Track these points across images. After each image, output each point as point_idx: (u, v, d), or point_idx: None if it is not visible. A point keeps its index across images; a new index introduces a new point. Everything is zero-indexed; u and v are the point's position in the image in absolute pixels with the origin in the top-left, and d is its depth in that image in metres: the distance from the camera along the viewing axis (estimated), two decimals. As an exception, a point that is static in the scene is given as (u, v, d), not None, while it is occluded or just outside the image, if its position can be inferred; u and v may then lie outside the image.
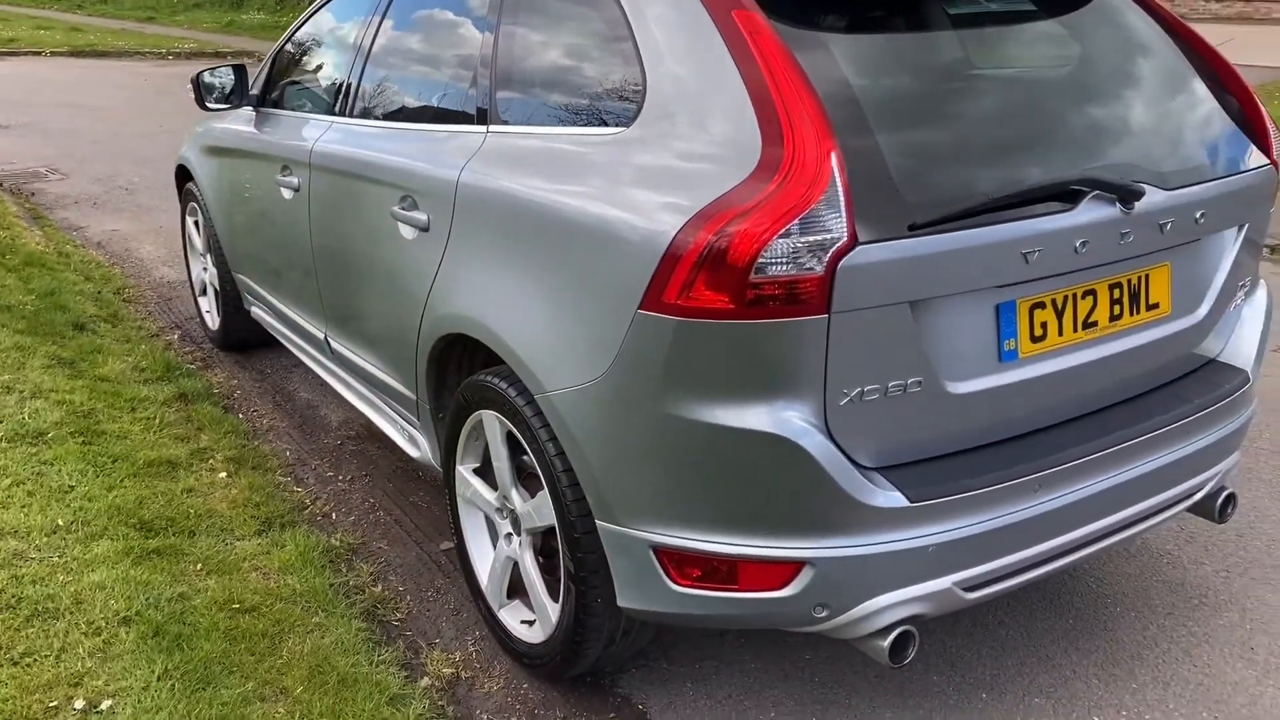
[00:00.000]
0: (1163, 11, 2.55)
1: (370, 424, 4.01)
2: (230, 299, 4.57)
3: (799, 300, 1.88)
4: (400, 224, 2.82)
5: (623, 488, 2.15)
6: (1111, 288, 2.26)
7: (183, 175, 4.88)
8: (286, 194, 3.56)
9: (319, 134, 3.37)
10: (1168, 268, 2.36)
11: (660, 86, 2.14)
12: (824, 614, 2.07)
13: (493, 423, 2.55)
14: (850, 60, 2.11)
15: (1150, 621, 2.86)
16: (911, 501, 2.00)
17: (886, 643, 2.09)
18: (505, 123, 2.56)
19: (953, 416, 2.09)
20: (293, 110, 3.81)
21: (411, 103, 3.03)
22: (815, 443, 1.94)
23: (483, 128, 2.62)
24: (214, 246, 4.52)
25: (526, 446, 2.41)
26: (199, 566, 2.97)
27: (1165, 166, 2.30)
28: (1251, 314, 2.62)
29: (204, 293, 5.02)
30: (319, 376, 4.21)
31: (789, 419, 1.95)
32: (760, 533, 2.04)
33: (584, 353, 2.14)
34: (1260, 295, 2.66)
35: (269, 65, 4.03)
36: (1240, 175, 2.42)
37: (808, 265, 1.87)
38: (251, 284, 4.25)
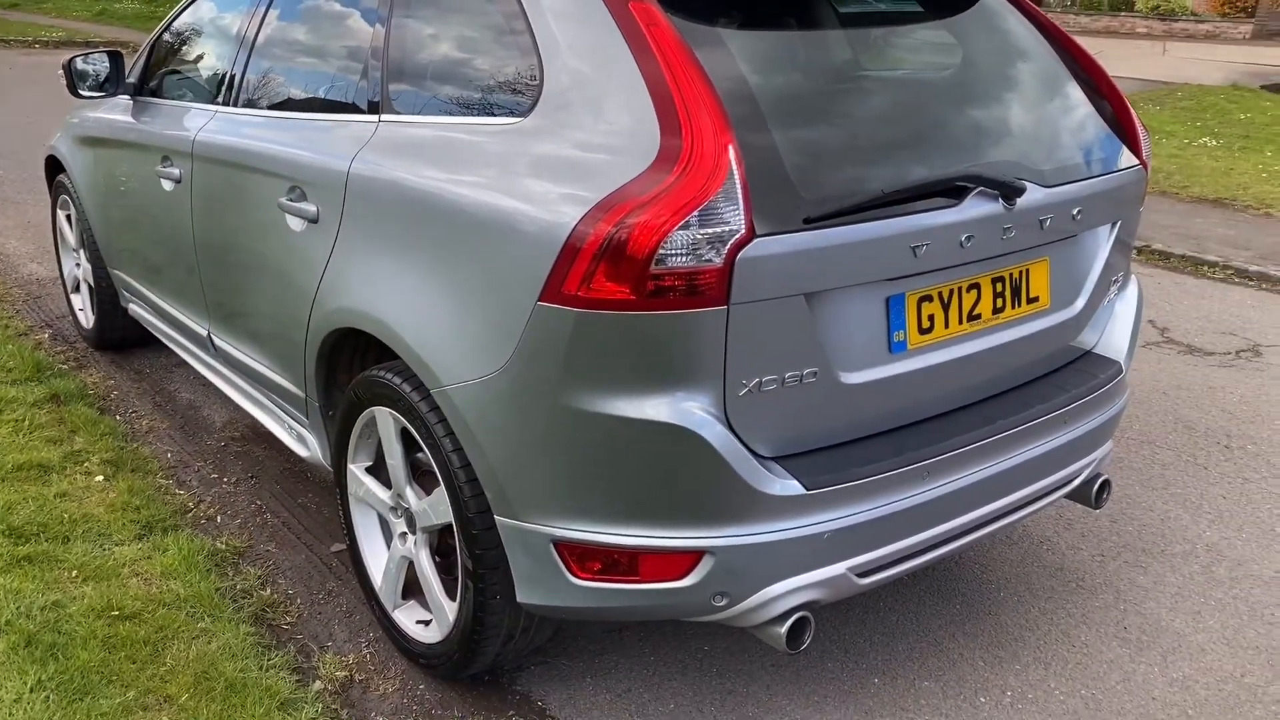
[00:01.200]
0: (1041, 17, 2.66)
1: (256, 424, 3.91)
2: (106, 296, 4.38)
3: (698, 292, 1.90)
4: (288, 215, 2.75)
5: (522, 482, 2.13)
6: (994, 281, 2.34)
7: (53, 167, 4.66)
8: (167, 186, 3.43)
9: (201, 124, 3.26)
10: (1047, 262, 2.45)
11: (557, 77, 2.13)
12: (723, 602, 2.09)
13: (386, 419, 2.50)
14: (744, 56, 2.14)
15: (1032, 605, 2.96)
16: (808, 489, 2.04)
17: (784, 629, 2.12)
18: (397, 113, 2.52)
19: (846, 406, 2.14)
20: (173, 99, 3.67)
21: (299, 92, 2.95)
22: (715, 433, 1.96)
23: (374, 117, 2.57)
24: (88, 241, 4.33)
25: (422, 443, 2.37)
26: (74, 573, 2.84)
27: (1044, 165, 2.39)
28: (1124, 309, 2.75)
29: (76, 289, 4.81)
30: (201, 376, 4.08)
31: (689, 409, 1.96)
32: (661, 523, 2.05)
33: (481, 346, 2.12)
34: (1131, 291, 2.79)
35: (147, 52, 3.88)
36: (1113, 175, 2.53)
37: (707, 257, 1.88)
38: (129, 280, 4.09)
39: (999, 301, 2.35)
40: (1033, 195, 2.29)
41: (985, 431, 2.29)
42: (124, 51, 3.87)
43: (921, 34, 2.50)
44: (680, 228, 1.87)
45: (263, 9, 3.17)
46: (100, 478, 3.42)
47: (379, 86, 2.59)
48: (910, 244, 2.09)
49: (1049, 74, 2.58)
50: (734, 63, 2.09)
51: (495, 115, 2.26)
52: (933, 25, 2.51)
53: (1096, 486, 2.68)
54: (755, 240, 1.90)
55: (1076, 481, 2.60)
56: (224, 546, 3.13)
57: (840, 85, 2.28)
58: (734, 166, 1.89)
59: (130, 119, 3.80)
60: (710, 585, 2.06)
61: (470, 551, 2.29)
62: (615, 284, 1.91)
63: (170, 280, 3.64)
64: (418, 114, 2.47)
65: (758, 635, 2.18)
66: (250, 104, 3.13)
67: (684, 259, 1.88)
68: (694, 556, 2.05)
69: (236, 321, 3.21)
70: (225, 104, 3.23)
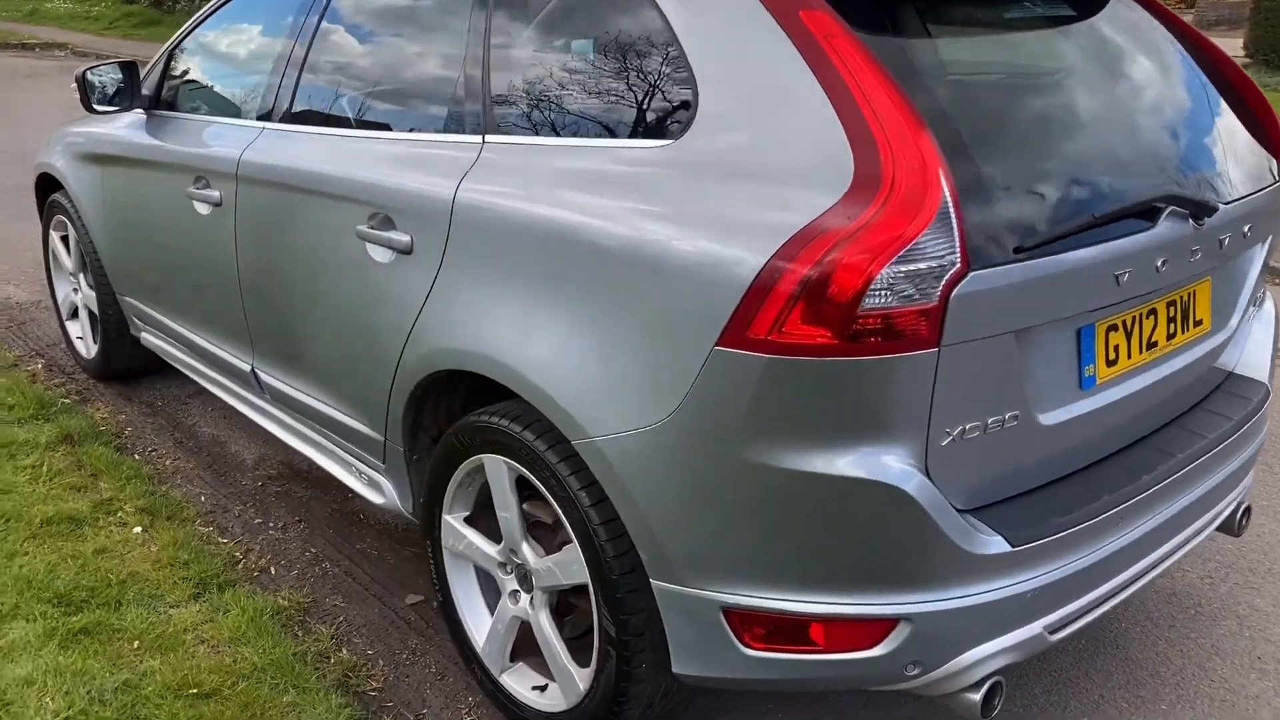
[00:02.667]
0: (1189, 30, 2.50)
1: (291, 461, 3.65)
2: (113, 324, 4.06)
3: (908, 333, 1.70)
4: (370, 245, 2.50)
5: (687, 543, 1.92)
6: (1168, 305, 2.18)
7: (46, 185, 4.33)
8: (202, 209, 3.14)
9: (246, 142, 2.98)
10: (1209, 283, 2.30)
11: (715, 95, 1.92)
12: (916, 671, 1.90)
13: (499, 469, 2.27)
14: (929, 70, 1.95)
15: (1157, 636, 2.82)
16: (1013, 546, 1.86)
17: (978, 696, 1.94)
18: (506, 133, 2.28)
19: (1040, 450, 1.96)
20: (201, 114, 3.38)
21: (373, 109, 2.69)
22: (920, 488, 1.77)
23: (476, 139, 2.33)
24: (92, 266, 4.01)
25: (550, 497, 2.14)
26: (135, 645, 2.57)
27: (1220, 182, 2.23)
28: (1260, 327, 2.61)
29: (73, 316, 4.47)
30: (224, 409, 3.80)
31: (888, 463, 1.77)
32: (850, 588, 1.85)
33: (640, 395, 1.90)
34: (1268, 306, 2.66)
35: (163, 63, 3.58)
36: (1273, 188, 2.39)
37: (919, 295, 1.69)
38: (144, 308, 3.78)
39: (1171, 327, 2.20)
40: (1218, 213, 2.13)
41: (1167, 469, 2.13)
42: (138, 61, 3.56)
43: (1081, 44, 2.32)
44: (891, 264, 1.67)
45: (317, 15, 2.90)
46: (138, 529, 3.13)
47: (481, 104, 2.34)
48: (1114, 271, 1.92)
49: (1205, 86, 2.43)
50: (919, 77, 1.90)
51: (636, 138, 2.04)
52: (1089, 35, 2.34)
53: (1240, 512, 2.54)
54: (969, 275, 1.71)
55: (1230, 509, 2.46)
56: (286, 603, 2.86)
57: (1031, 99, 2.10)
58: (947, 194, 1.69)
59: (148, 136, 3.50)
60: (904, 654, 1.87)
61: (613, 617, 2.07)
62: (813, 327, 1.71)
63: (202, 310, 3.35)
64: (533, 136, 2.23)
65: (946, 703, 2.00)
66: (306, 120, 2.86)
67: (893, 298, 1.68)
68: (888, 624, 1.86)
69: (293, 358, 2.94)
70: (274, 119, 2.95)
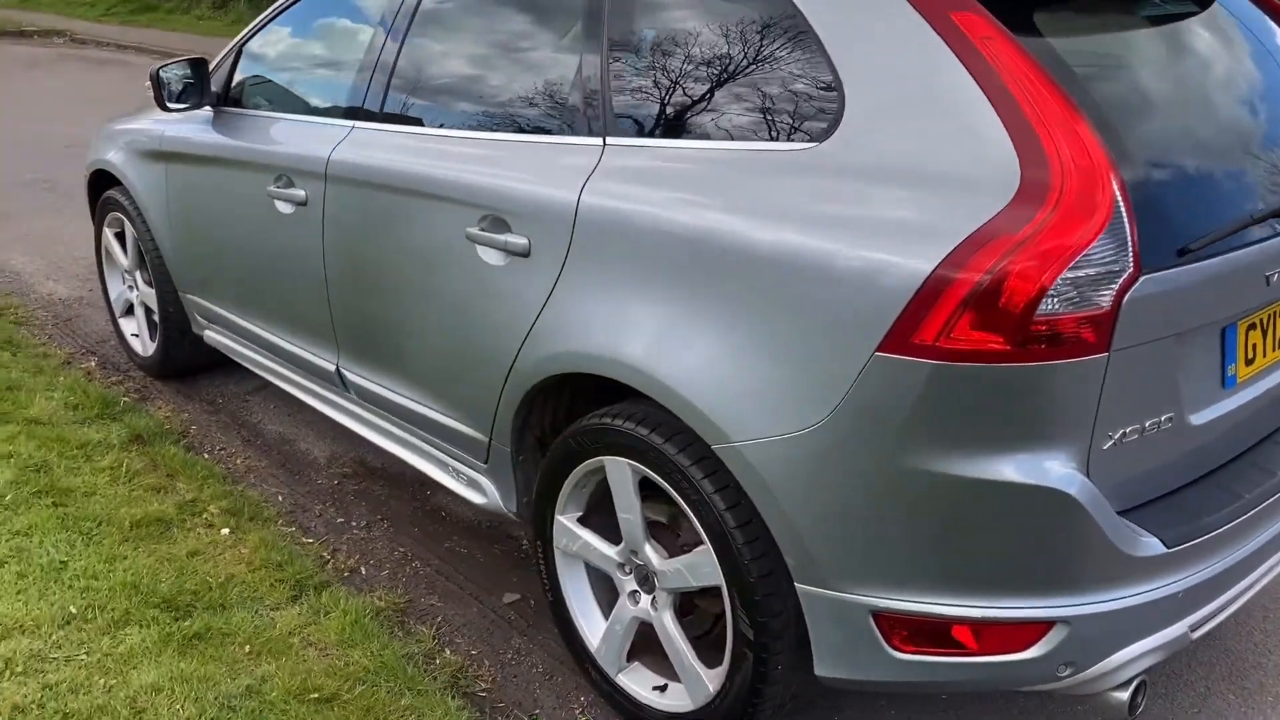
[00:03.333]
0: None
1: (364, 459, 3.65)
2: (173, 321, 4.04)
3: (1080, 339, 1.70)
4: (481, 248, 2.48)
5: (838, 547, 1.93)
6: (1295, 304, 2.19)
7: (98, 181, 4.29)
8: (284, 208, 3.12)
9: (335, 140, 2.96)
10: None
11: (863, 96, 1.91)
12: (1067, 672, 1.91)
13: (622, 471, 2.27)
14: (1085, 69, 1.94)
15: (1252, 627, 2.84)
16: (1168, 547, 1.86)
17: (1126, 695, 1.95)
18: (629, 135, 2.27)
19: (1187, 450, 1.97)
20: (277, 112, 3.35)
21: (477, 107, 2.66)
22: (1084, 491, 1.77)
23: (595, 140, 2.31)
24: (153, 263, 3.98)
25: (681, 500, 2.14)
26: (247, 649, 2.56)
27: None
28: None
29: (127, 314, 4.45)
30: (289, 406, 3.79)
31: (1052, 468, 1.77)
32: (1006, 591, 1.86)
33: (790, 399, 1.90)
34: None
35: (232, 58, 3.54)
36: None
37: (1093, 300, 1.69)
38: (211, 306, 3.76)
39: (1298, 325, 2.20)
40: None
41: (1298, 464, 2.15)
42: (207, 59, 3.52)
43: (1217, 38, 2.32)
44: (1065, 270, 1.67)
45: (410, 10, 2.87)
46: (225, 530, 3.12)
47: (600, 104, 2.33)
48: (1265, 271, 1.93)
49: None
50: (1074, 77, 1.89)
51: (775, 140, 2.03)
52: (1224, 29, 2.33)
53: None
54: (1141, 279, 1.72)
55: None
56: (384, 603, 2.86)
57: (1180, 96, 2.10)
58: (1118, 197, 1.69)
59: (220, 134, 3.46)
60: (1057, 656, 1.88)
61: (751, 619, 2.08)
62: (984, 333, 1.71)
63: (279, 309, 3.33)
64: (660, 138, 2.21)
65: (1093, 702, 2.01)
66: (401, 119, 2.83)
67: (1067, 304, 1.68)
68: (1044, 627, 1.86)
69: (385, 357, 2.93)
70: (366, 118, 2.93)
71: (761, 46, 2.10)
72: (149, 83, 3.38)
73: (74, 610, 2.58)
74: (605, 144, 2.29)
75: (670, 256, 2.09)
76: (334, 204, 2.94)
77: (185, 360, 4.21)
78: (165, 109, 3.44)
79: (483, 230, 2.47)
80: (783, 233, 1.91)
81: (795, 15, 2.03)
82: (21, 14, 19.20)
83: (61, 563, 2.77)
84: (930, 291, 1.72)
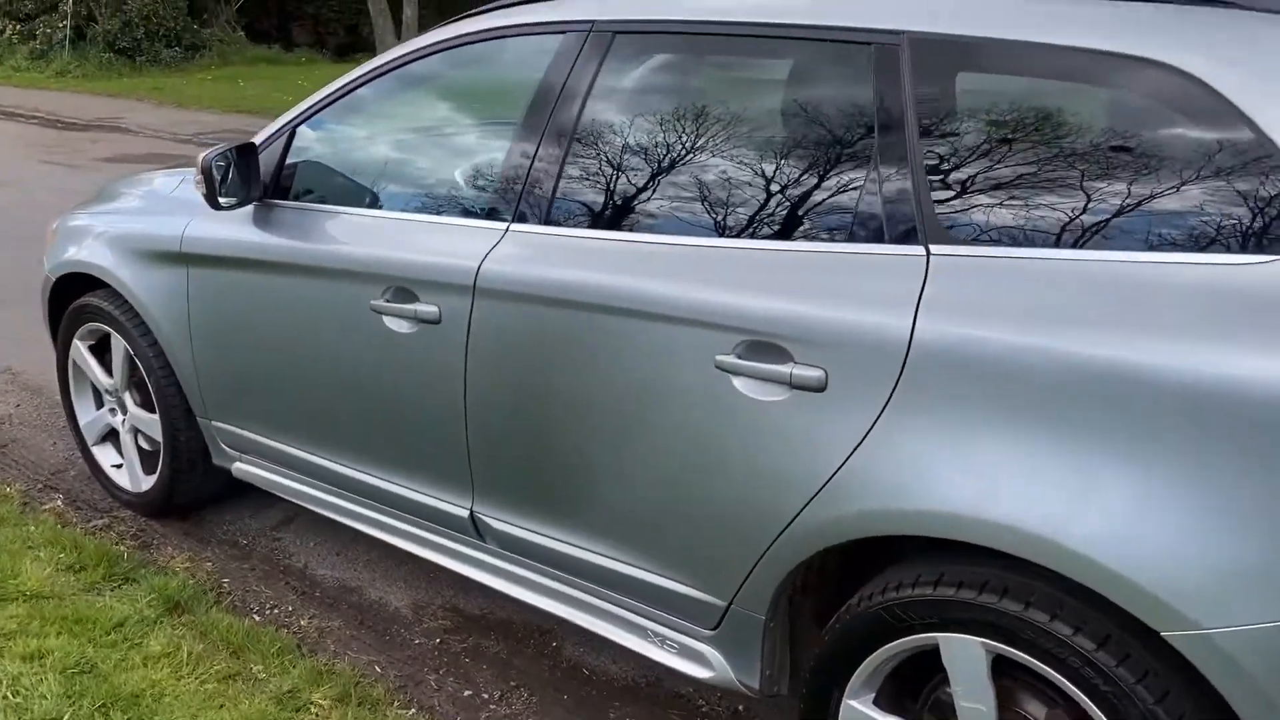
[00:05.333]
0: None
1: (460, 607, 3.10)
2: (185, 451, 3.36)
3: None
4: (740, 379, 2.04)
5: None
6: None
7: (68, 287, 3.55)
8: (401, 326, 2.56)
9: (482, 245, 2.43)
10: None
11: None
12: None
13: (972, 651, 1.86)
14: None
15: None
16: None
17: None
18: (962, 241, 1.87)
19: None
20: (363, 208, 2.79)
21: (723, 208, 2.20)
22: None
23: (912, 250, 1.91)
24: (158, 383, 3.29)
25: (1085, 699, 1.74)
26: None
27: None
28: None
29: (102, 441, 3.71)
30: (333, 545, 3.21)
31: None
32: None
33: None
34: None
35: (283, 141, 2.94)
36: None
37: None
38: (253, 437, 3.12)
39: None
40: None
41: None
42: (256, 144, 2.90)
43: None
44: None
45: (588, 75, 2.38)
46: (347, 728, 2.52)
47: (912, 202, 1.93)
48: None
49: None
50: None
51: (1205, 250, 1.68)
52: None
53: None
54: None
55: None
56: (578, 806, 2.34)
57: None
58: None
59: (274, 233, 2.86)
60: None
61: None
62: None
63: (383, 444, 2.75)
64: (1019, 246, 1.83)
65: None
66: (588, 223, 2.35)
67: None
68: None
69: (558, 505, 2.42)
70: (524, 221, 2.42)
71: (1159, 132, 1.76)
72: (198, 176, 2.74)
73: None
74: (930, 253, 1.89)
75: (1071, 397, 1.70)
76: (486, 322, 2.42)
77: (192, 495, 3.52)
78: (217, 207, 2.80)
79: (742, 359, 2.03)
80: (1247, 371, 1.56)
81: (1212, 97, 1.70)
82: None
83: (187, 814, 2.13)
84: None
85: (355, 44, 19.96)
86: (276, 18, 20.11)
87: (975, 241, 1.87)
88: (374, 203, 2.81)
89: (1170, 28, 1.79)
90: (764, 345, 2.01)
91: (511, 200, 2.46)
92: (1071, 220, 1.81)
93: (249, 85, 15.00)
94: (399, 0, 17.84)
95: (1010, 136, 1.90)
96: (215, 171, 2.74)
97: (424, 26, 18.98)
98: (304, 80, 15.35)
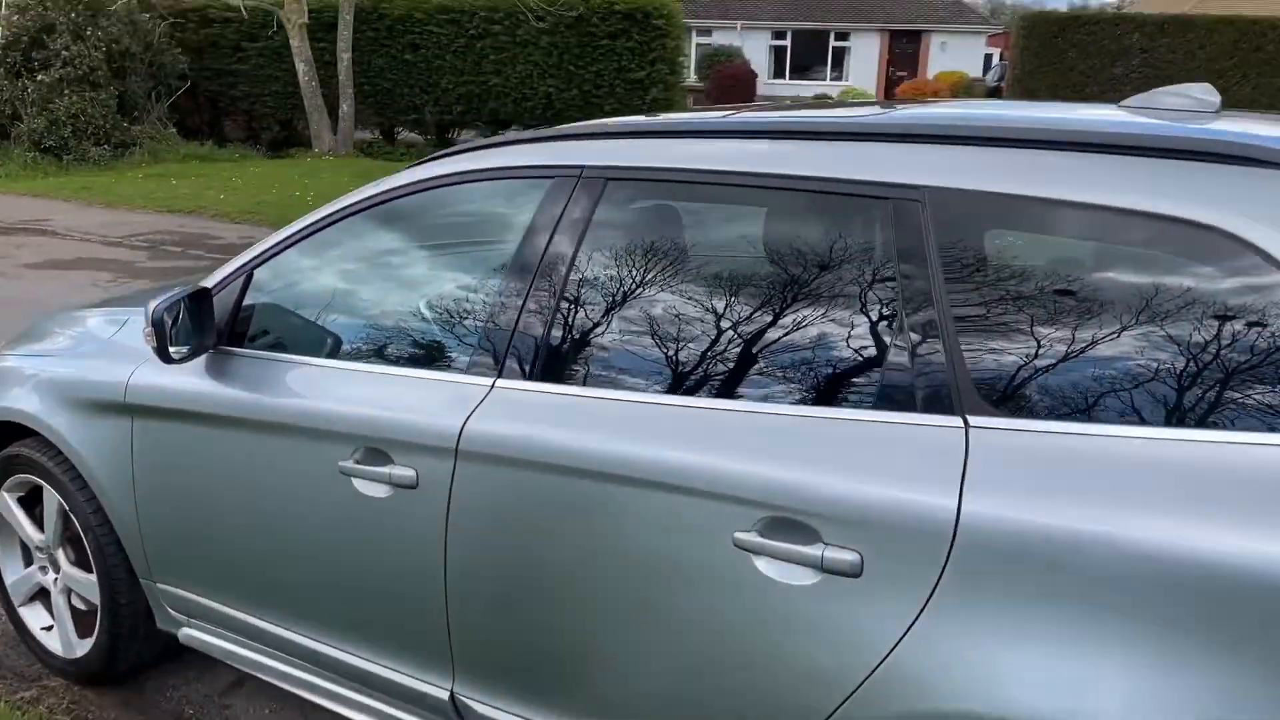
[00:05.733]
0: None
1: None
2: (127, 615, 3.07)
3: None
4: (762, 559, 1.86)
5: None
6: None
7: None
8: (373, 490, 2.35)
9: (465, 403, 2.24)
10: None
11: None
12: None
13: None
14: None
15: None
16: None
17: None
18: (1002, 413, 1.73)
19: None
20: (327, 358, 2.58)
21: (723, 365, 2.05)
22: None
23: (948, 421, 1.76)
24: (95, 541, 3.01)
25: None
26: None
27: None
28: None
29: (29, 602, 3.39)
30: (284, 714, 2.94)
31: None
32: None
33: None
34: None
35: (239, 285, 2.73)
36: None
37: None
38: (201, 600, 2.85)
39: None
40: None
41: None
42: (210, 288, 2.68)
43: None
44: None
45: (583, 215, 2.23)
46: None
47: (946, 369, 1.78)
48: None
49: None
50: None
51: (1249, 429, 1.55)
52: None
53: None
54: None
55: None
56: None
57: None
58: None
59: (229, 384, 2.63)
60: None
61: None
62: None
63: (348, 614, 2.51)
64: (1060, 420, 1.69)
65: None
66: (580, 379, 2.17)
67: None
68: None
69: (551, 686, 2.20)
70: (512, 377, 2.24)
71: (1210, 298, 1.64)
72: (148, 328, 2.52)
73: None
74: (969, 425, 1.75)
75: (1148, 587, 1.55)
76: (471, 489, 2.22)
77: (133, 662, 3.21)
78: (169, 361, 2.57)
79: (765, 537, 1.85)
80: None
81: (1261, 256, 1.59)
82: None
83: None
84: None
85: (290, 139, 19.76)
86: (208, 114, 19.85)
87: (1017, 413, 1.73)
88: (342, 352, 2.61)
89: (1213, 187, 1.70)
90: (789, 523, 1.84)
91: (497, 353, 2.27)
92: (1118, 392, 1.68)
93: (181, 183, 14.67)
94: (335, 96, 17.74)
95: (1047, 300, 1.77)
96: (166, 320, 2.51)
97: (361, 123, 18.98)
98: (237, 178, 15.13)
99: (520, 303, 2.26)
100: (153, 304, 2.52)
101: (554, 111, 18.50)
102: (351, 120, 18.16)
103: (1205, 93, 2.04)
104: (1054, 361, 1.74)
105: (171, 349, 2.56)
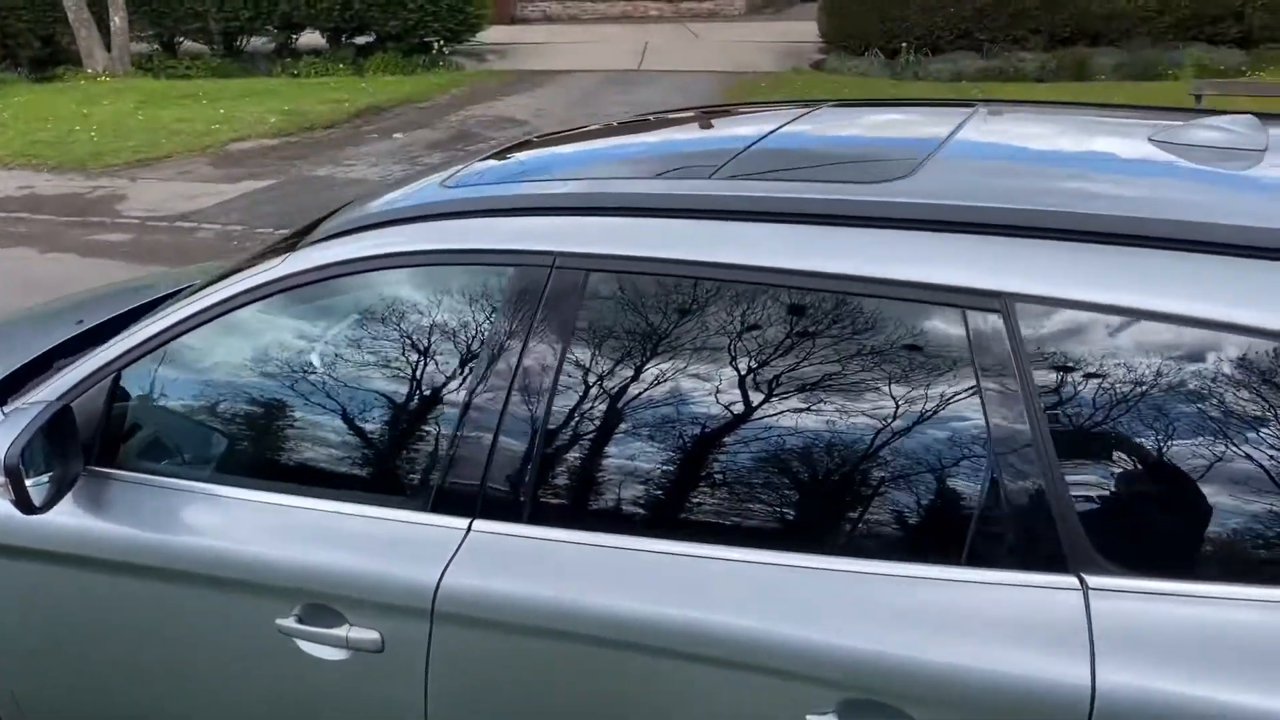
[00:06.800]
0: None
1: None
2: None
3: None
4: (839, 743, 1.58)
5: None
6: None
7: None
8: (323, 653, 1.93)
9: (434, 549, 1.84)
10: None
11: None
12: None
13: None
14: None
15: None
16: None
17: None
18: (1127, 572, 1.48)
19: None
20: (235, 485, 2.07)
21: (773, 507, 1.72)
22: None
23: (1058, 580, 1.50)
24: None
25: None
26: None
27: None
28: None
29: None
30: None
31: None
32: None
33: None
34: None
35: (111, 383, 2.16)
36: None
37: None
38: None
39: None
40: None
41: None
42: (69, 404, 2.12)
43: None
44: None
45: (569, 310, 1.82)
46: None
47: (1050, 519, 1.51)
48: None
49: None
50: None
51: None
52: None
53: None
54: None
55: None
56: None
57: None
58: None
59: (104, 516, 2.09)
60: None
61: None
62: None
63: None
64: (1193, 581, 1.46)
65: None
66: (599, 522, 1.80)
67: None
68: None
69: None
70: (491, 518, 1.84)
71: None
72: (3, 479, 1.95)
73: None
74: (1087, 587, 1.49)
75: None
76: (456, 655, 1.84)
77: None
78: (36, 512, 2.01)
79: (841, 717, 1.57)
80: None
81: None
82: None
83: None
84: None
85: (54, 56, 17.63)
86: (-46, 30, 17.48)
87: (1141, 570, 1.49)
88: (260, 473, 2.12)
89: None
90: (874, 704, 1.56)
91: (470, 487, 1.86)
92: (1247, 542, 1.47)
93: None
94: (104, 6, 15.85)
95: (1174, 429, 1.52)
96: (22, 469, 1.96)
97: (136, 35, 17.05)
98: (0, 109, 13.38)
99: (496, 421, 1.85)
100: (4, 454, 1.94)
101: (352, 12, 17.06)
102: (126, 34, 16.32)
103: (1250, 127, 1.81)
104: (1169, 505, 1.50)
105: (31, 491, 2.00)
